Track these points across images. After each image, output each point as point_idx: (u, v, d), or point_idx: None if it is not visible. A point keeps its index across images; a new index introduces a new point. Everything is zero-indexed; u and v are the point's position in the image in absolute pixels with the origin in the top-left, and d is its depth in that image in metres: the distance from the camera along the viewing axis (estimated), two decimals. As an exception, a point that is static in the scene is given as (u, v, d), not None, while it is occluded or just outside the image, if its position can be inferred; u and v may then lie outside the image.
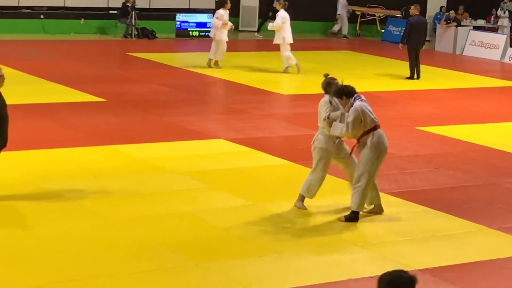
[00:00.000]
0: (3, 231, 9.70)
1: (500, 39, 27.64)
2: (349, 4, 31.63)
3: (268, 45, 23.94)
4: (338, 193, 11.26)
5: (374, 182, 10.57)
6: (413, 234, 10.18)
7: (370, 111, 10.30)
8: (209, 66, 21.68)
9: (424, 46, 21.96)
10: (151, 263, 8.91)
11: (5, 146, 10.53)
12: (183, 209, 10.68)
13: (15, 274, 8.50)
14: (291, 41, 21.33)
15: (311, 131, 15.30)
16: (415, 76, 21.76)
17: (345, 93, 10.30)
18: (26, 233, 9.63)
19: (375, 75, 21.99)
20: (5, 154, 10.85)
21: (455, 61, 26.69)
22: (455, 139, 15.38)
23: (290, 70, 21.58)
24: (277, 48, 21.76)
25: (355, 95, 10.30)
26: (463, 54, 27.87)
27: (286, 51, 21.36)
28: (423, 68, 22.22)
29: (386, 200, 11.41)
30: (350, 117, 10.19)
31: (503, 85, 22.29)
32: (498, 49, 27.22)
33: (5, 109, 10.47)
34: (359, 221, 10.41)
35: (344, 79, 10.52)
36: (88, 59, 22.36)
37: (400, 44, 21.92)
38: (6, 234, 9.59)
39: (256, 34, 29.98)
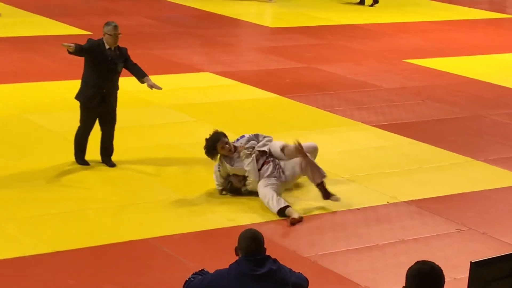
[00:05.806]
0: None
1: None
2: None
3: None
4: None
5: None
6: (400, 166, 10.22)
7: None
8: None
9: None
10: (139, 196, 8.93)
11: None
12: (170, 142, 10.68)
13: None
14: None
15: (297, 64, 15.27)
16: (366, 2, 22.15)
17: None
18: (14, 163, 9.63)
19: (363, 8, 21.79)
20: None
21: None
22: (442, 71, 15.36)
23: None
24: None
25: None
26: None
27: None
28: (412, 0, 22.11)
29: (373, 132, 11.44)
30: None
31: (491, 17, 22.19)
32: (487, -20, 26.97)
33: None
34: (346, 154, 10.42)
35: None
36: (73, -9, 22.05)
37: None
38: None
39: None
